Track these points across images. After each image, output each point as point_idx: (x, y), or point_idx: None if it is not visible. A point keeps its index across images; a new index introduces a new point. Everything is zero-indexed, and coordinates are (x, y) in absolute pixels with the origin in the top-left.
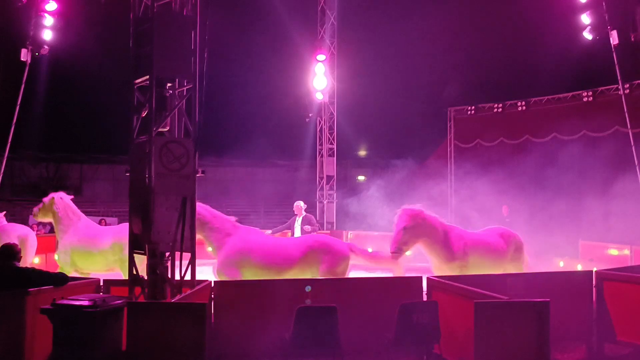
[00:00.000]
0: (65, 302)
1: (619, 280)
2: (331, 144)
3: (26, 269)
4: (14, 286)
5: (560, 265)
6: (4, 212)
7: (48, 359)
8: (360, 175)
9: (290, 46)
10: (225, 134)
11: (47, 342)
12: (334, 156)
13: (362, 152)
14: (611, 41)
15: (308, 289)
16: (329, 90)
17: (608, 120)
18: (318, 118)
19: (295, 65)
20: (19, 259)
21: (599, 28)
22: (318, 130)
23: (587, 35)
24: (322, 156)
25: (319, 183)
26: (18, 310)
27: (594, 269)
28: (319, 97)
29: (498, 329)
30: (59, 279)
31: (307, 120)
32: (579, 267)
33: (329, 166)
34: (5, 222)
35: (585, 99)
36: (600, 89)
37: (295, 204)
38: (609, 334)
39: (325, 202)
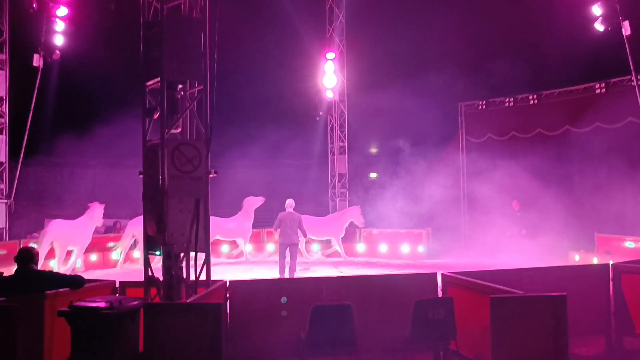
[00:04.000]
0: (82, 304)
1: (637, 272)
2: (342, 141)
3: (44, 272)
4: (32, 289)
5: (576, 259)
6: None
7: None
8: (372, 172)
9: (299, 45)
10: (235, 134)
11: (65, 344)
12: (345, 154)
13: (374, 150)
14: (623, 32)
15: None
16: (339, 88)
17: (621, 111)
18: (329, 116)
19: (304, 64)
20: (36, 262)
21: (611, 19)
22: (329, 128)
23: (599, 26)
24: (333, 154)
25: (331, 181)
26: (37, 312)
27: (611, 262)
28: (329, 95)
29: (515, 324)
30: (76, 282)
31: (317, 118)
32: (595, 261)
33: (341, 164)
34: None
35: (597, 91)
36: (612, 80)
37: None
38: (627, 327)
39: (337, 200)
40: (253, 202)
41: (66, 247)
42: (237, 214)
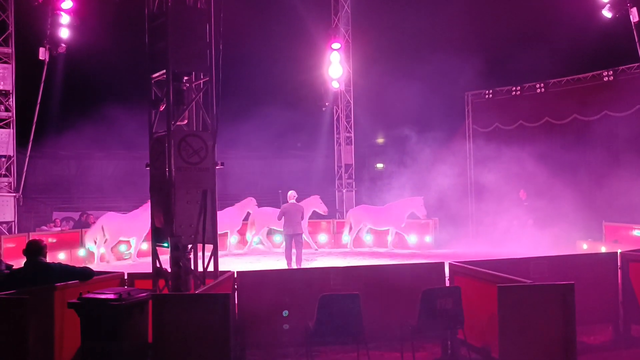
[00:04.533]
0: (91, 296)
1: None
2: (348, 132)
3: (53, 264)
4: (42, 281)
5: (584, 247)
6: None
7: (77, 352)
8: (378, 162)
9: (304, 35)
10: (241, 125)
11: (75, 336)
12: (351, 144)
13: (380, 140)
14: (631, 18)
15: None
16: (344, 79)
17: (630, 99)
18: (334, 107)
19: (310, 54)
20: (45, 254)
21: (618, 5)
22: (335, 118)
23: (606, 13)
24: (339, 145)
25: (337, 172)
26: (47, 304)
27: (619, 251)
28: (335, 85)
29: (522, 313)
30: (85, 274)
31: (323, 109)
32: (603, 249)
33: (347, 154)
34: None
35: (605, 79)
36: (621, 67)
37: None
38: (635, 315)
39: (344, 191)
40: (314, 203)
41: (116, 237)
42: None
